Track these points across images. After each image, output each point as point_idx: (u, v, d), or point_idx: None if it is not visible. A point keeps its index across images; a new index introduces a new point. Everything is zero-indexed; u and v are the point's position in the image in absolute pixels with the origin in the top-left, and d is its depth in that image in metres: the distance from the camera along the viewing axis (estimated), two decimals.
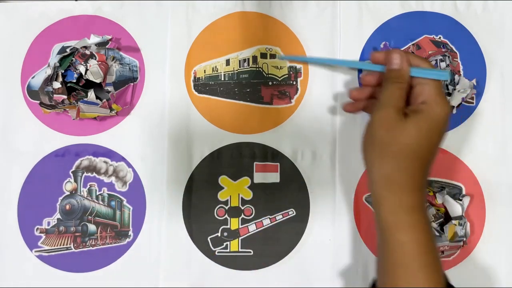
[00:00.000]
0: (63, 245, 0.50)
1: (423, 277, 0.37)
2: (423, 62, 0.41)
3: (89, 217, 0.51)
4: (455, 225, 0.47)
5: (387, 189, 0.38)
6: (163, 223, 0.50)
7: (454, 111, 0.50)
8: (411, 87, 0.41)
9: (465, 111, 0.51)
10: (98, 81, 0.49)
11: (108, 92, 0.50)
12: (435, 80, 0.40)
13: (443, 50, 0.50)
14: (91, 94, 0.49)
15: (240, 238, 0.50)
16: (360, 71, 0.51)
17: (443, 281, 0.38)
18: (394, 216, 0.38)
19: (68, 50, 0.49)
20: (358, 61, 0.51)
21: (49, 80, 0.48)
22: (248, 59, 0.52)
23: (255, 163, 0.51)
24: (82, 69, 0.49)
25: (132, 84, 0.52)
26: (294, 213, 0.50)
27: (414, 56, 0.42)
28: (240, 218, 0.50)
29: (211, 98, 0.52)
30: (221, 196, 0.51)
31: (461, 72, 0.50)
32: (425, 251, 0.37)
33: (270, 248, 0.50)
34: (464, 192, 0.50)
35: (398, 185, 0.37)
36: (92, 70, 0.49)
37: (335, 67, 0.51)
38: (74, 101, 0.48)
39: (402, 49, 0.51)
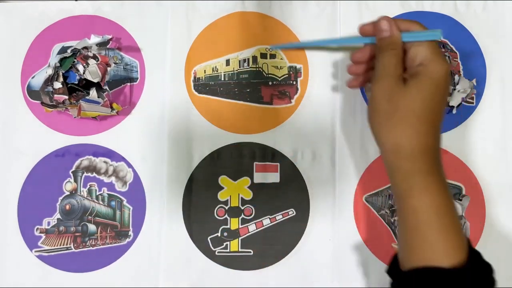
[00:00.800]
0: (63, 245, 0.50)
1: (441, 243, 0.35)
2: (413, 25, 0.40)
3: (89, 217, 0.51)
4: None
5: (398, 156, 0.37)
6: (163, 223, 0.50)
7: (454, 111, 0.49)
8: (405, 52, 0.40)
9: (465, 111, 0.51)
10: (96, 80, 0.49)
11: (103, 91, 0.51)
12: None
13: (443, 50, 0.50)
14: (93, 92, 0.49)
15: (240, 238, 0.50)
16: None
17: (465, 245, 0.36)
18: (406, 182, 0.37)
19: (69, 51, 0.49)
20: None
21: (49, 80, 0.48)
22: (248, 59, 0.52)
23: (255, 163, 0.51)
24: (80, 68, 0.49)
25: (129, 84, 0.52)
26: (294, 213, 0.50)
27: (402, 20, 0.40)
28: (240, 218, 0.50)
29: (211, 98, 0.52)
30: (221, 196, 0.51)
31: (461, 72, 0.50)
32: (441, 214, 0.36)
33: (270, 248, 0.50)
34: (464, 192, 0.50)
35: (409, 151, 0.37)
36: (91, 70, 0.49)
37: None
38: (74, 101, 0.48)
39: None
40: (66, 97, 0.48)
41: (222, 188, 0.51)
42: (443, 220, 0.36)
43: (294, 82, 0.51)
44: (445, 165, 0.50)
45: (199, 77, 0.52)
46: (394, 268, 0.38)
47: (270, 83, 0.51)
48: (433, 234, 0.35)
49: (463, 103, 0.49)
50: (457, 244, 0.35)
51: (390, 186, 0.38)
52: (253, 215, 0.50)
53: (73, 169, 0.51)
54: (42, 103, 0.49)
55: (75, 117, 0.50)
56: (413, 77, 0.37)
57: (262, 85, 0.51)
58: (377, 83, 0.38)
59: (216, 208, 0.50)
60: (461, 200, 0.48)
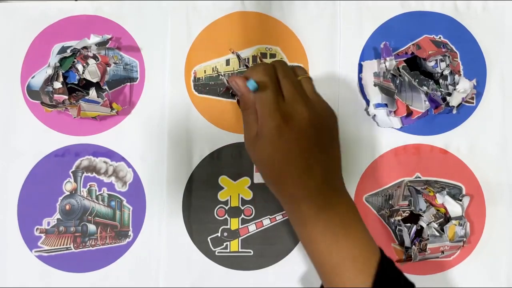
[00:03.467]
0: (63, 245, 0.50)
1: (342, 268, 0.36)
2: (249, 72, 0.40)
3: (89, 217, 0.51)
4: (455, 225, 0.47)
5: (286, 209, 0.40)
6: (163, 223, 0.50)
7: (454, 111, 0.49)
8: None
9: (465, 111, 0.51)
10: (95, 80, 0.49)
11: (103, 91, 0.51)
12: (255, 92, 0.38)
13: (443, 50, 0.50)
14: (93, 92, 0.49)
15: (240, 238, 0.50)
16: (360, 70, 0.51)
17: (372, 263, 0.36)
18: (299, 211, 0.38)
19: (69, 51, 0.49)
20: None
21: (49, 80, 0.48)
22: (248, 59, 0.52)
23: None
24: (80, 68, 0.49)
25: (129, 84, 0.52)
26: None
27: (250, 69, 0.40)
28: (240, 218, 0.50)
29: (211, 98, 0.52)
30: (221, 196, 0.51)
31: (461, 72, 0.50)
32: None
33: (270, 248, 0.50)
34: (464, 192, 0.50)
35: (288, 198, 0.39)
36: (90, 70, 0.49)
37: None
38: (74, 101, 0.48)
39: (402, 49, 0.51)
40: (66, 97, 0.48)
41: (222, 188, 0.51)
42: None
43: None
44: (445, 165, 0.50)
45: (199, 77, 0.52)
46: None
47: None
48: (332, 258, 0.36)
49: (463, 103, 0.49)
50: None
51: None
52: (253, 215, 0.50)
53: (73, 169, 0.51)
54: (42, 103, 0.49)
55: (74, 117, 0.49)
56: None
57: None
58: (244, 139, 0.40)
59: (216, 208, 0.50)
60: (461, 200, 0.48)
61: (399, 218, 0.49)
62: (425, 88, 0.48)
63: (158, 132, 0.51)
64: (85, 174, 0.51)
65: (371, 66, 0.51)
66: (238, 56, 0.51)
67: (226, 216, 0.50)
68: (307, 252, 0.39)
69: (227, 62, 0.52)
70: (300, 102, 0.38)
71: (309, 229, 0.37)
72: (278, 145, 0.37)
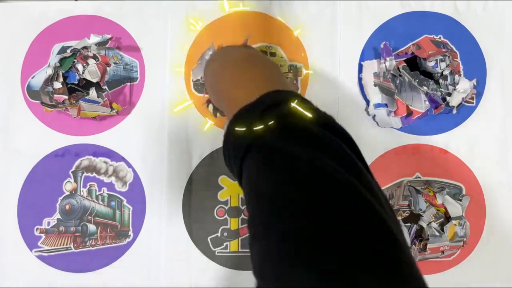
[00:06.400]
0: (63, 245, 0.50)
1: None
2: None
3: (89, 217, 0.51)
4: (455, 225, 0.47)
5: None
6: (163, 223, 0.50)
7: (454, 111, 0.49)
8: None
9: (465, 111, 0.51)
10: (95, 80, 0.49)
11: (103, 91, 0.50)
12: None
13: (443, 50, 0.50)
14: (93, 92, 0.49)
15: (240, 238, 0.50)
16: (360, 70, 0.51)
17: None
18: None
19: (68, 51, 0.49)
20: None
21: (49, 80, 0.48)
22: None
23: None
24: (80, 68, 0.49)
25: (129, 84, 0.52)
26: None
27: None
28: (240, 218, 0.50)
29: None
30: (221, 196, 0.51)
31: (461, 72, 0.50)
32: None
33: None
34: (464, 192, 0.50)
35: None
36: (90, 70, 0.49)
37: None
38: (74, 101, 0.48)
39: (402, 49, 0.51)
40: (66, 97, 0.48)
41: (222, 188, 0.51)
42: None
43: (295, 81, 0.51)
44: (445, 165, 0.50)
45: (199, 77, 0.52)
46: None
47: None
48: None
49: (463, 103, 0.49)
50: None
51: None
52: None
53: (73, 169, 0.51)
54: (42, 103, 0.49)
55: (74, 117, 0.49)
56: None
57: None
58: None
59: (216, 208, 0.50)
60: (461, 200, 0.48)
61: (399, 218, 0.48)
62: (425, 88, 0.48)
63: (158, 132, 0.51)
64: (85, 174, 0.51)
65: (371, 66, 0.51)
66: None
67: (226, 216, 0.50)
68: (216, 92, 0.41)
69: None
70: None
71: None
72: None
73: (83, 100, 0.48)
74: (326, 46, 0.52)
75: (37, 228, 0.51)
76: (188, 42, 0.52)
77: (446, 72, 0.49)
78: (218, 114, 0.51)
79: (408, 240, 0.47)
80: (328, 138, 0.31)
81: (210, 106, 0.51)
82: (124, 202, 0.51)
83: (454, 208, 0.47)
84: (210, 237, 0.50)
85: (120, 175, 0.51)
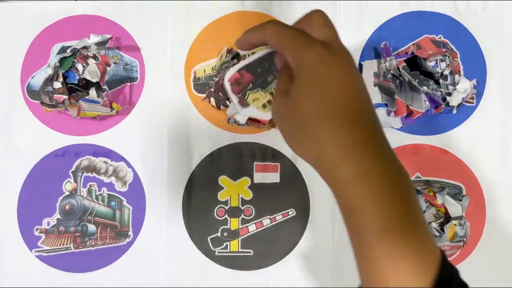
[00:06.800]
0: (63, 245, 0.50)
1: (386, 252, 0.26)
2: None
3: (89, 217, 0.51)
4: (455, 225, 0.47)
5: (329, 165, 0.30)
6: (163, 223, 0.50)
7: (454, 111, 0.49)
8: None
9: (465, 111, 0.51)
10: (95, 80, 0.49)
11: (103, 91, 0.50)
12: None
13: (443, 50, 0.50)
14: (93, 92, 0.49)
15: (240, 238, 0.50)
16: (360, 70, 0.51)
17: (434, 261, 0.26)
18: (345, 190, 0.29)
19: (68, 51, 0.49)
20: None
21: (49, 80, 0.48)
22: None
23: (255, 163, 0.51)
24: (80, 68, 0.49)
25: (129, 83, 0.52)
26: (294, 213, 0.50)
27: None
28: (240, 218, 0.50)
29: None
30: (221, 196, 0.51)
31: (461, 72, 0.50)
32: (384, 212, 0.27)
33: (270, 248, 0.50)
34: (464, 192, 0.50)
35: (330, 156, 0.29)
36: (90, 70, 0.49)
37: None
38: (74, 101, 0.48)
39: (402, 49, 0.51)
40: (66, 97, 0.48)
41: (222, 188, 0.51)
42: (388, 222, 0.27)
43: None
44: (446, 165, 0.50)
45: (199, 77, 0.52)
46: None
47: None
48: (373, 237, 0.27)
49: (463, 103, 0.49)
50: (418, 257, 0.26)
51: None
52: (253, 215, 0.50)
53: (73, 169, 0.51)
54: (42, 103, 0.49)
55: (74, 117, 0.49)
56: (294, 83, 0.28)
57: None
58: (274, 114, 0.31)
59: (216, 208, 0.50)
60: (461, 200, 0.48)
61: None
62: (425, 88, 0.48)
63: (158, 132, 0.51)
64: (85, 174, 0.51)
65: (371, 66, 0.51)
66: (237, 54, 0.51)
67: (226, 216, 0.50)
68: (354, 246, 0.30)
69: None
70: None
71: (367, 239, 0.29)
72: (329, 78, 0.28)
73: (83, 100, 0.48)
74: None
75: (37, 228, 0.51)
76: (188, 42, 0.52)
77: (446, 72, 0.49)
78: (221, 107, 0.51)
79: None
80: None
81: (212, 100, 0.51)
82: (124, 202, 0.51)
83: (454, 208, 0.47)
84: (210, 237, 0.50)
85: (120, 175, 0.51)
